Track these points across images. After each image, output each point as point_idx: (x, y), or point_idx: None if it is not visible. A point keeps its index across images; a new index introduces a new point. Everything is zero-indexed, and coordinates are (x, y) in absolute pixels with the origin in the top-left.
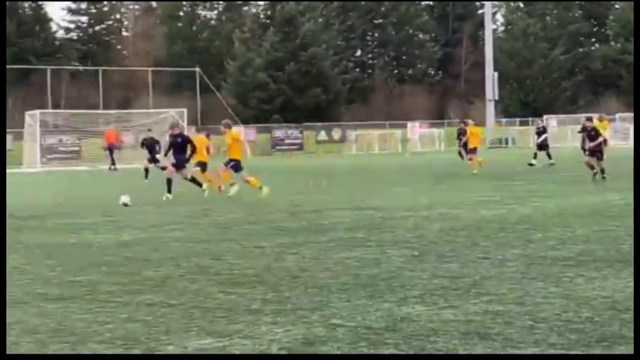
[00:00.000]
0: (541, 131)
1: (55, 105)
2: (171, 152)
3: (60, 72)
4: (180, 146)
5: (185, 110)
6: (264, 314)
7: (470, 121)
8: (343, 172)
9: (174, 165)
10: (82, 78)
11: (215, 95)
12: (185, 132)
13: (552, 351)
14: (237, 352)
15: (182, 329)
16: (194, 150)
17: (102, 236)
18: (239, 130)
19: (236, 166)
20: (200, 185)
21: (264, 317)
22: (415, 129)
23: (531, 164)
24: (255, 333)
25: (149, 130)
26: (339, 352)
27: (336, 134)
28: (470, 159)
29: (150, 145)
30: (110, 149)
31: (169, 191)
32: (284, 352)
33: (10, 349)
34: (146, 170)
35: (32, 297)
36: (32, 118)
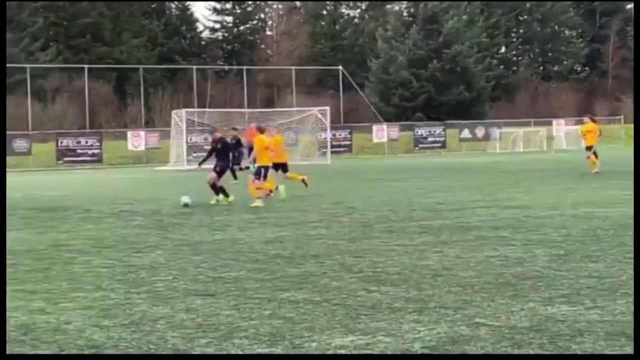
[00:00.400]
0: None
1: (201, 104)
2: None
3: (206, 72)
4: (222, 152)
5: (328, 109)
6: (406, 312)
7: (586, 118)
8: (487, 170)
9: (215, 171)
10: (227, 77)
11: (358, 93)
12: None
13: None
14: (380, 351)
15: (325, 326)
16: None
17: (246, 233)
18: (276, 137)
19: (260, 173)
20: (217, 193)
21: (407, 315)
22: (561, 127)
23: None
24: (398, 331)
25: (234, 129)
26: (482, 352)
27: (479, 131)
28: (587, 157)
29: (234, 145)
30: (252, 147)
31: (218, 194)
32: (426, 350)
33: (158, 344)
34: (232, 170)
35: (178, 292)
36: (179, 117)
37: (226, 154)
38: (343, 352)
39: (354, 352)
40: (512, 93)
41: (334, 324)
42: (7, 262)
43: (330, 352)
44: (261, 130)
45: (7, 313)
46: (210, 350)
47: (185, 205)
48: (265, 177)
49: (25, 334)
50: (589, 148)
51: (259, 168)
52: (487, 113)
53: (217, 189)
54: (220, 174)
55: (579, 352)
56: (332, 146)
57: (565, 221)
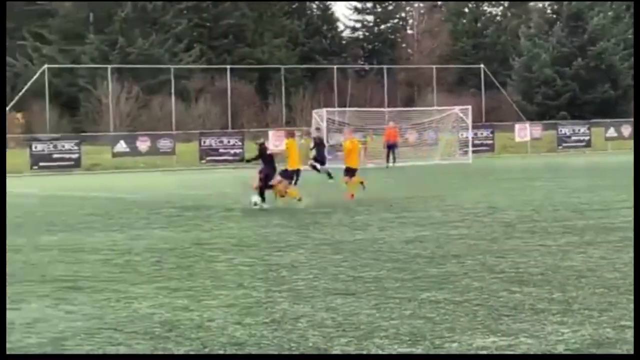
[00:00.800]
0: None
1: (341, 104)
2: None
3: (346, 71)
4: (267, 158)
5: (469, 107)
6: (550, 313)
7: None
8: (632, 170)
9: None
10: (367, 76)
11: (500, 91)
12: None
13: None
14: (522, 352)
15: (466, 327)
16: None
17: (387, 233)
18: (352, 141)
19: (287, 175)
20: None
21: (550, 316)
22: None
23: None
24: (540, 332)
25: (317, 129)
26: (627, 354)
27: (626, 130)
28: None
29: (319, 144)
30: (390, 146)
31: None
32: (569, 352)
33: (299, 343)
34: (315, 168)
35: (319, 291)
36: (319, 116)
37: (271, 161)
38: (484, 352)
39: (496, 353)
40: None
41: (475, 325)
42: (151, 259)
43: (471, 353)
44: (292, 135)
45: (152, 310)
46: (350, 350)
47: (255, 204)
48: (291, 179)
49: (169, 331)
50: None
51: (288, 171)
52: (633, 111)
53: (261, 193)
54: (264, 179)
55: None
56: (474, 145)
57: None
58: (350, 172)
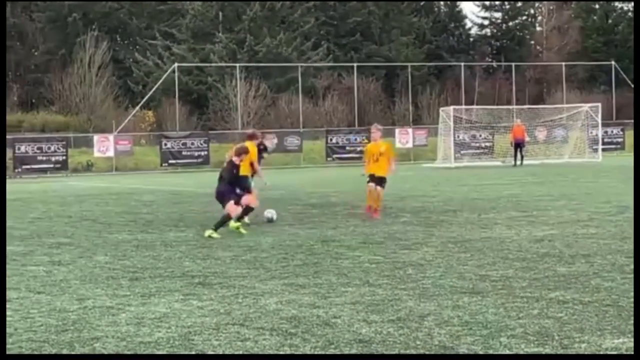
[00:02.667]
0: None
1: (469, 101)
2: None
3: (474, 68)
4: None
5: (599, 105)
6: None
7: None
8: None
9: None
10: (495, 74)
11: (631, 89)
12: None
13: None
14: None
15: (595, 327)
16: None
17: (514, 231)
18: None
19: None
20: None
21: None
22: None
23: None
24: None
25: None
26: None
27: None
28: None
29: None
30: (517, 144)
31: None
32: (607, 353)
33: (425, 341)
34: None
35: (445, 290)
36: (446, 114)
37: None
38: (614, 353)
39: (626, 353)
40: None
41: (604, 325)
42: (278, 256)
43: (601, 354)
44: (251, 137)
45: (279, 306)
46: (477, 349)
47: (269, 220)
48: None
49: (295, 327)
50: None
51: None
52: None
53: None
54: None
55: None
56: (604, 143)
57: None
58: (379, 180)
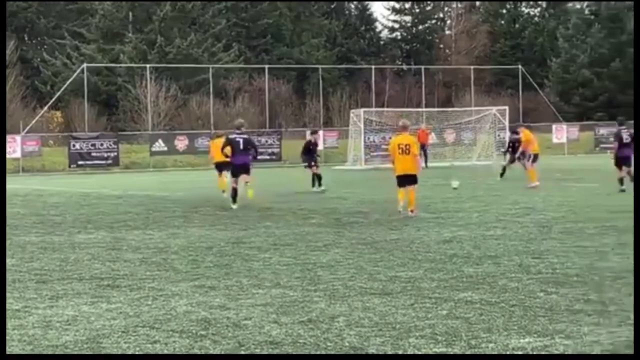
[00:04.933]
0: None
1: (379, 104)
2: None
3: (384, 71)
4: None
5: (507, 108)
6: (586, 314)
7: (521, 127)
8: None
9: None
10: (405, 77)
11: (537, 92)
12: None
13: None
14: (558, 352)
15: (502, 327)
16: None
17: (423, 232)
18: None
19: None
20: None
21: (586, 317)
22: None
23: None
24: (577, 333)
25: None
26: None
27: None
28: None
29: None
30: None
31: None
32: (606, 353)
33: (335, 342)
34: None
35: (355, 291)
36: (357, 116)
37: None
38: (520, 353)
39: (532, 353)
40: None
41: (511, 325)
42: (189, 258)
43: (507, 353)
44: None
45: (189, 308)
46: (386, 349)
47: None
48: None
49: (205, 329)
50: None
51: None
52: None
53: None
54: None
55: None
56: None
57: None
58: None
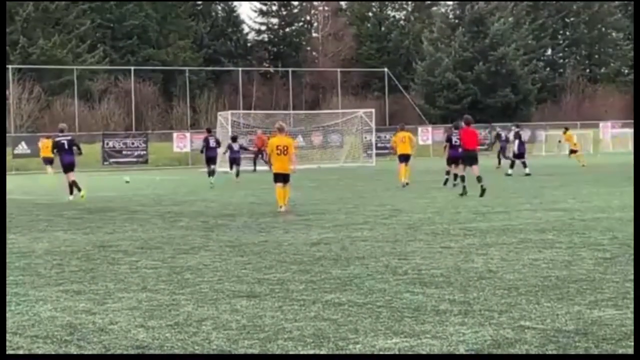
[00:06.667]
0: None
1: (247, 106)
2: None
3: (252, 73)
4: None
5: (373, 111)
6: (451, 314)
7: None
8: (533, 173)
9: None
10: (273, 79)
11: (403, 95)
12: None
13: None
14: (425, 352)
15: (369, 328)
16: None
17: (291, 235)
18: None
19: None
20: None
21: (452, 317)
22: (607, 130)
23: None
24: (442, 333)
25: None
26: (627, 353)
27: (525, 134)
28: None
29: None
30: (259, 153)
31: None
32: (471, 352)
33: (202, 345)
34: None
35: (223, 294)
36: (224, 118)
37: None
38: (387, 354)
39: (398, 354)
40: (558, 95)
41: (378, 326)
42: (53, 262)
43: (374, 354)
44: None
45: (53, 313)
46: (254, 352)
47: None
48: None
49: (70, 334)
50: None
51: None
52: (533, 115)
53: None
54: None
55: (621, 354)
56: (377, 148)
57: (612, 224)
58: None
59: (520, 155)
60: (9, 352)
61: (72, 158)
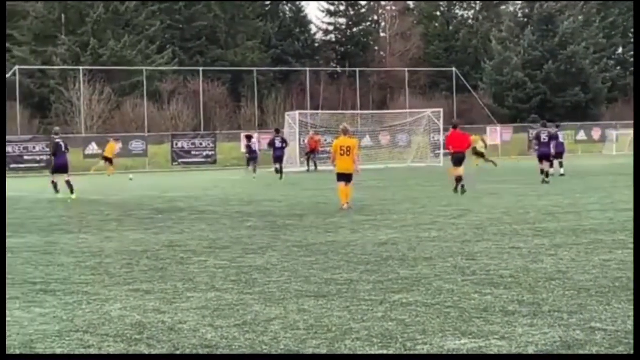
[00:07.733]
0: None
1: (314, 106)
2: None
3: (319, 74)
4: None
5: (441, 110)
6: (520, 315)
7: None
8: (603, 173)
9: None
10: (340, 79)
11: (471, 95)
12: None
13: None
14: (493, 353)
15: (437, 329)
16: None
17: (358, 235)
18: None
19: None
20: None
21: (521, 318)
22: None
23: None
24: (511, 334)
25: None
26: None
27: (596, 133)
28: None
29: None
30: (312, 153)
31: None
32: (540, 353)
33: (270, 345)
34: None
35: (290, 294)
36: (292, 118)
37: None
38: (456, 354)
39: (467, 354)
40: (630, 94)
41: (446, 327)
42: (123, 262)
43: (443, 354)
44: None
45: (123, 312)
46: (322, 352)
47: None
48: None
49: (140, 333)
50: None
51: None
52: (604, 114)
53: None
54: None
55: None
56: (445, 148)
57: None
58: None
59: (558, 155)
60: (81, 350)
61: (67, 160)
